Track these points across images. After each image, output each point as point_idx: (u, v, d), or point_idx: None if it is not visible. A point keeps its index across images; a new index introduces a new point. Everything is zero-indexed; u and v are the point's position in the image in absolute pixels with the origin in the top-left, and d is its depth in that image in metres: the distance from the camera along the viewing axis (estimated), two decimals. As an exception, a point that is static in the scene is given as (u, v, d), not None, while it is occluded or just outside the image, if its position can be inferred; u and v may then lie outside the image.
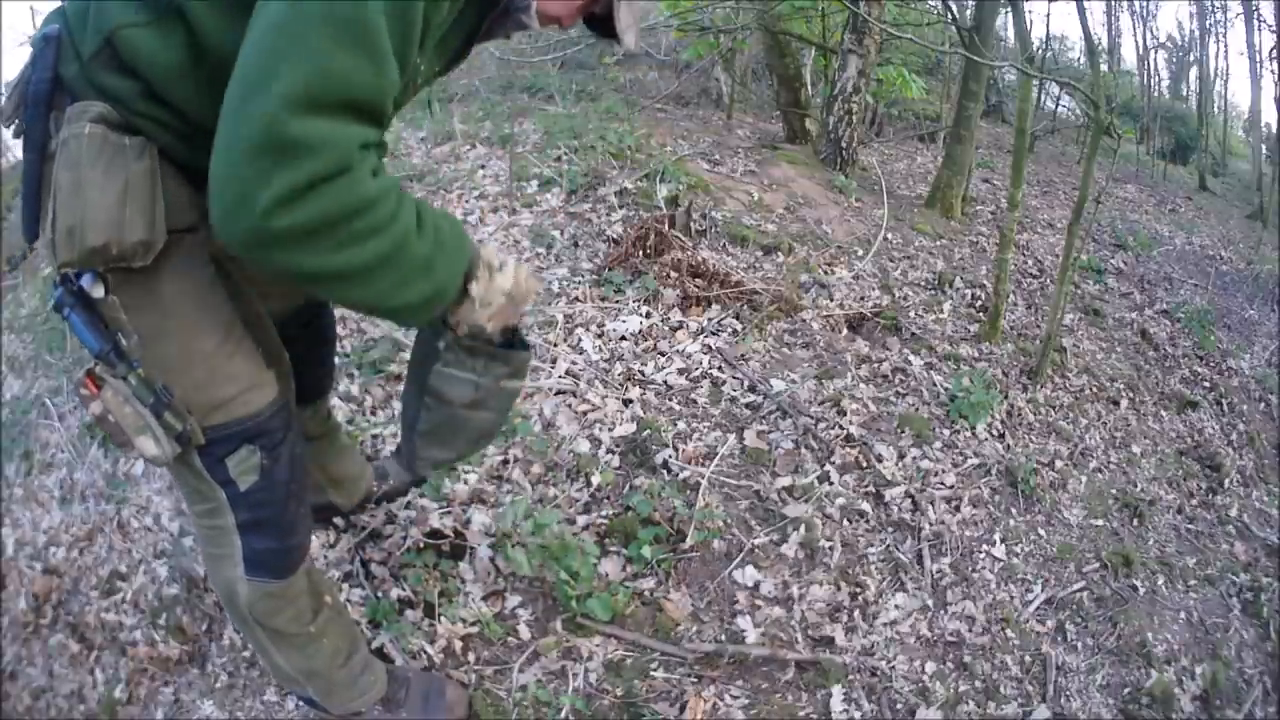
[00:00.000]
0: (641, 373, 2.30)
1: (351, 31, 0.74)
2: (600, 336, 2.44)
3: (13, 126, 0.97)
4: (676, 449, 2.03)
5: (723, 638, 1.64)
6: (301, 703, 1.45)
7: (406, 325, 0.99)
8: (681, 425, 2.12)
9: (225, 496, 1.09)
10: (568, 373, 2.26)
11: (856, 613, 1.73)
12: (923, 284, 3.32)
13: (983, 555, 1.98)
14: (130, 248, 0.93)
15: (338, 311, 2.40)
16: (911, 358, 2.64)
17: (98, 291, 0.97)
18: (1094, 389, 2.92)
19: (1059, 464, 2.40)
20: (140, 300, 0.99)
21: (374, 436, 2.04)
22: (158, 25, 0.89)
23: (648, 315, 2.53)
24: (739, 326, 2.57)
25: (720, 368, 2.36)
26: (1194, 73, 13.40)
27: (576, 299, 2.60)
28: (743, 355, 2.43)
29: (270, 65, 0.73)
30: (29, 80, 0.94)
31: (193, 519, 1.17)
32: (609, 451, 2.01)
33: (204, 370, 1.03)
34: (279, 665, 1.28)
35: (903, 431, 2.27)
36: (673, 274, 2.67)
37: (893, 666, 1.63)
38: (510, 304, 1.00)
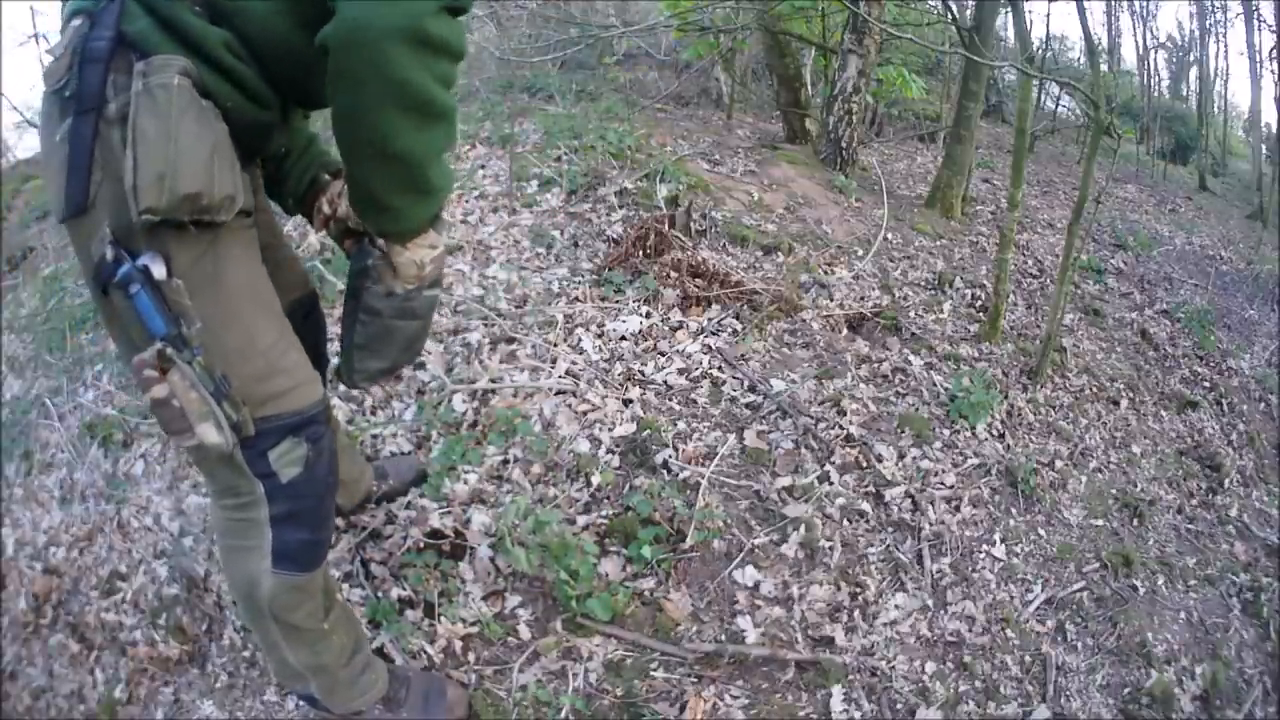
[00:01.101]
0: (641, 373, 2.30)
1: None
2: (600, 336, 2.44)
3: (63, 85, 0.94)
4: (676, 449, 2.03)
5: (723, 638, 1.64)
6: (302, 701, 1.45)
7: (423, 210, 1.07)
8: (681, 425, 2.12)
9: (263, 490, 1.10)
10: (568, 373, 2.26)
11: (856, 613, 1.73)
12: (923, 284, 3.32)
13: (983, 555, 1.98)
14: (220, 200, 0.95)
15: (334, 312, 2.40)
16: (911, 358, 2.64)
17: (159, 271, 0.96)
18: (1094, 389, 2.92)
19: (1059, 464, 2.40)
20: (205, 286, 0.99)
21: (374, 436, 2.04)
22: None
23: (648, 315, 2.53)
24: (739, 326, 2.57)
25: (720, 368, 2.36)
26: (1194, 73, 13.39)
27: (576, 299, 2.60)
28: (743, 355, 2.43)
29: None
30: (86, 38, 0.93)
31: (218, 512, 1.18)
32: (609, 451, 2.01)
33: (263, 362, 1.06)
34: (286, 661, 1.27)
35: (903, 431, 2.27)
36: (673, 274, 2.67)
37: (893, 666, 1.63)
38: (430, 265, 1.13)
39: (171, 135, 0.91)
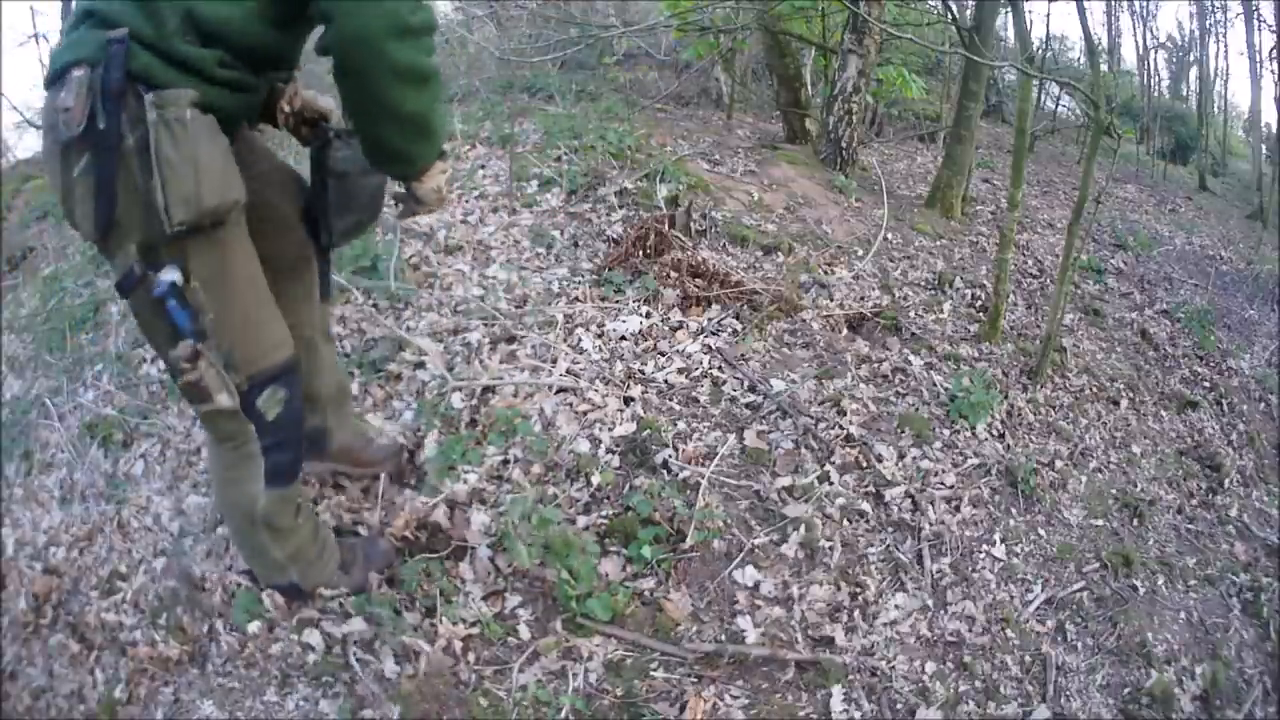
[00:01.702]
0: (641, 372, 2.30)
1: None
2: (600, 336, 2.44)
3: (81, 130, 1.11)
4: (676, 449, 2.03)
5: (723, 638, 1.64)
6: (281, 595, 1.62)
7: (431, 150, 1.33)
8: (681, 425, 2.12)
9: (255, 428, 1.37)
10: (568, 372, 2.26)
11: (856, 613, 1.73)
12: (923, 284, 3.32)
13: (983, 555, 1.98)
14: (230, 204, 1.20)
15: (335, 310, 2.41)
16: (911, 358, 2.64)
17: (179, 278, 1.19)
18: (1094, 389, 2.92)
19: (1059, 464, 2.40)
20: (215, 281, 1.24)
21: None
22: None
23: (648, 315, 2.53)
24: (739, 326, 2.57)
25: (720, 367, 2.36)
26: (1194, 73, 13.37)
27: (576, 299, 2.60)
28: (743, 355, 2.43)
29: None
30: (101, 80, 1.09)
31: (221, 455, 1.43)
32: (609, 451, 2.01)
33: (257, 331, 1.32)
34: (274, 559, 1.53)
35: (903, 431, 2.27)
36: (673, 274, 2.67)
37: (893, 666, 1.63)
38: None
39: (191, 160, 1.12)
